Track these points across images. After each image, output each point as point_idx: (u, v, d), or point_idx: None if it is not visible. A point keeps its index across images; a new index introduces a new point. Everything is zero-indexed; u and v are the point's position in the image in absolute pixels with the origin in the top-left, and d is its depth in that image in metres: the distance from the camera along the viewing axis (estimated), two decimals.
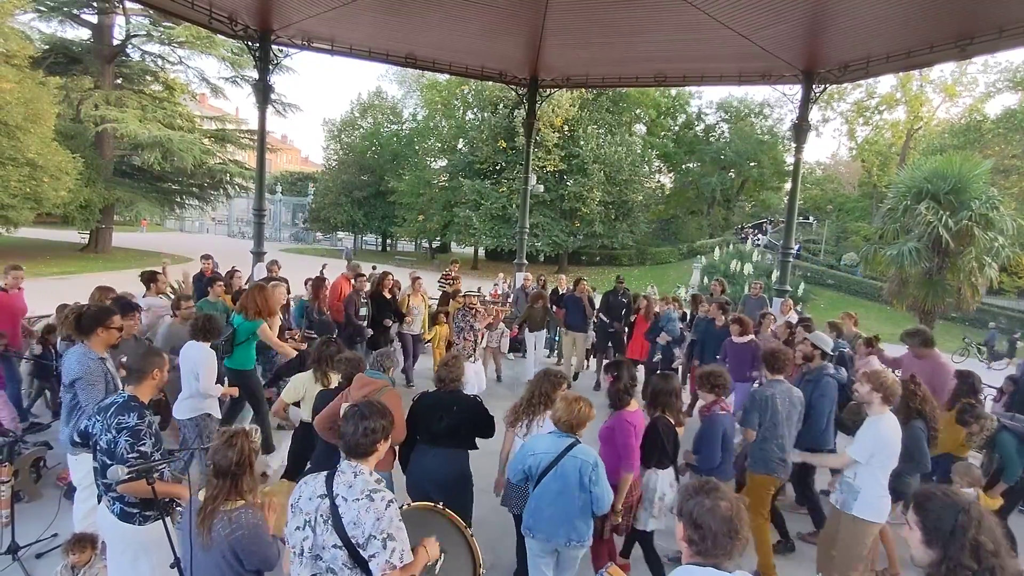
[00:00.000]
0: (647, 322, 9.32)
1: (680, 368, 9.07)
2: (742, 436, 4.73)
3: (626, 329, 9.83)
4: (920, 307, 14.42)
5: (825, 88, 10.68)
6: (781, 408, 4.60)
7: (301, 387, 4.88)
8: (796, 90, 10.89)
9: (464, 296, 7.78)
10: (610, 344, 9.96)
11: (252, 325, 5.80)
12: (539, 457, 3.42)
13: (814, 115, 10.43)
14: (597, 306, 10.17)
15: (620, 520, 3.98)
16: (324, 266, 12.14)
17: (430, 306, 10.58)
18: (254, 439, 2.77)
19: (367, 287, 9.02)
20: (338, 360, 4.56)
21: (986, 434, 5.05)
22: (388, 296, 9.06)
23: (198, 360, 4.96)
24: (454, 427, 4.04)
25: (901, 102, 40.29)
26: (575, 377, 9.99)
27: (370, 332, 8.69)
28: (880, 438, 3.91)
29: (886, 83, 40.88)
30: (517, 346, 11.47)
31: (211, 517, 2.59)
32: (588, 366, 10.93)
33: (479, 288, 13.04)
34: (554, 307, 10.37)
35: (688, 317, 9.72)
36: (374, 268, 23.27)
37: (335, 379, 4.84)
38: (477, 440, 4.20)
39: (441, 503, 3.25)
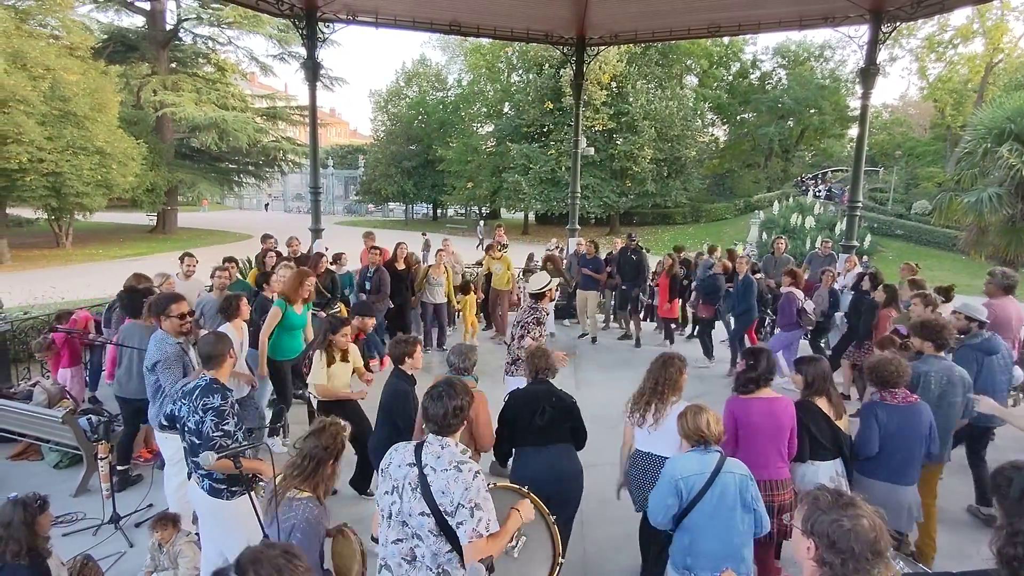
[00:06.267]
0: (668, 279, 9.50)
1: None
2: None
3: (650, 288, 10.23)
4: (1001, 256, 13.53)
5: (896, 27, 9.95)
6: (935, 387, 4.18)
7: (318, 371, 4.75)
8: (862, 31, 10.19)
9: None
10: (628, 303, 10.20)
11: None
12: (690, 480, 2.89)
13: (881, 55, 9.71)
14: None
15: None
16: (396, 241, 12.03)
17: (463, 273, 10.87)
18: (345, 433, 2.91)
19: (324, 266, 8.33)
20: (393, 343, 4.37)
21: None
22: (401, 267, 8.89)
23: None
24: (555, 420, 3.76)
25: (978, 33, 37.19)
26: (593, 340, 10.09)
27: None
28: None
29: (960, 14, 37.78)
30: (572, 312, 11.41)
31: (280, 497, 2.72)
32: (608, 325, 11.24)
33: (531, 254, 12.92)
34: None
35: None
36: (424, 235, 23.53)
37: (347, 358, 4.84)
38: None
39: (527, 487, 3.15)
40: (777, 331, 8.11)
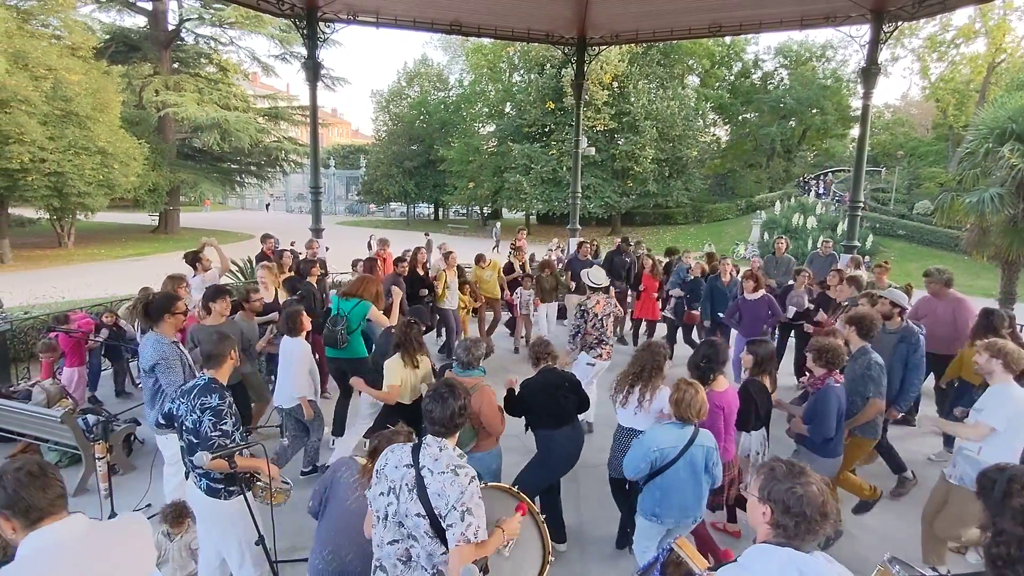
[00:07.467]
0: (655, 280, 9.34)
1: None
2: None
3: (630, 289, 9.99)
4: (1003, 257, 13.44)
5: (897, 27, 9.93)
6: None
7: (396, 372, 4.61)
8: (864, 31, 10.17)
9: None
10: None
11: (364, 308, 5.85)
12: (665, 452, 3.40)
13: (883, 55, 9.70)
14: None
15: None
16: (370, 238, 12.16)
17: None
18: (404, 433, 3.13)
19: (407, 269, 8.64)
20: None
21: None
22: (422, 272, 8.87)
23: (287, 354, 5.17)
24: (575, 402, 4.24)
25: (981, 33, 37.07)
26: None
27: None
28: (1018, 407, 3.54)
29: (962, 14, 37.65)
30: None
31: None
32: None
33: (532, 254, 12.94)
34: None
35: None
36: (427, 235, 23.45)
37: (424, 360, 4.70)
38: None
39: (516, 486, 3.27)
40: (736, 335, 7.69)
